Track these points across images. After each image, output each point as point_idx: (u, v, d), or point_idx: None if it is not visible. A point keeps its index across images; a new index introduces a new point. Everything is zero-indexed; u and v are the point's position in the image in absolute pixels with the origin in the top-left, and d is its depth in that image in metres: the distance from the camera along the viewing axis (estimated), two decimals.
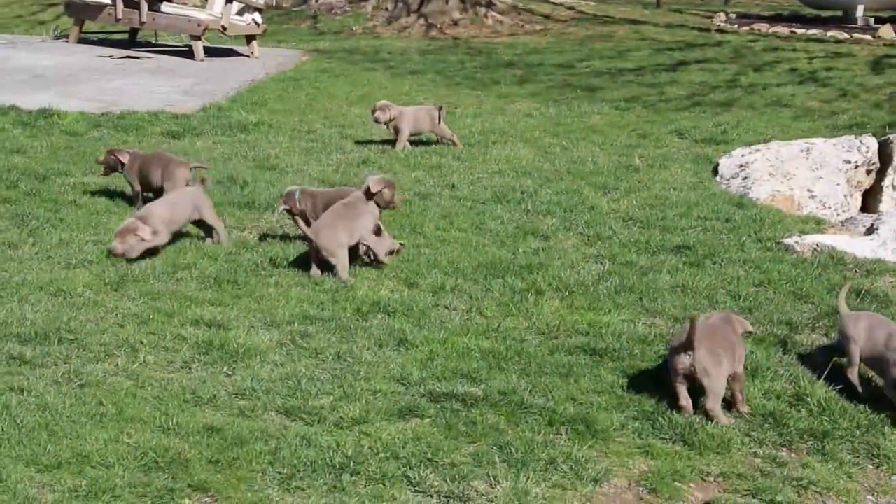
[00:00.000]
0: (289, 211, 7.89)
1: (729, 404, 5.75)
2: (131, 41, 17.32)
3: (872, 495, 5.21)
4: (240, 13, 16.77)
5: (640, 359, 6.24)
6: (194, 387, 5.78)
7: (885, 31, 19.30)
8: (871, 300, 7.24)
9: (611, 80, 15.53)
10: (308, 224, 7.50)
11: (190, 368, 6.03)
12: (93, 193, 9.09)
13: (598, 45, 18.58)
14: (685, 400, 5.65)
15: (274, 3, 22.33)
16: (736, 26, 20.61)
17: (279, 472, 5.00)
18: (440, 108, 11.12)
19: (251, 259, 7.69)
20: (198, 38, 16.10)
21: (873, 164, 10.40)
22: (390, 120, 10.88)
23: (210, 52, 16.27)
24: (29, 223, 8.28)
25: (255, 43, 16.92)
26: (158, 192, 8.51)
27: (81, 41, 17.04)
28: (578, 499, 4.98)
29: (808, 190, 9.87)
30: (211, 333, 6.40)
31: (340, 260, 7.36)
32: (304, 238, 7.51)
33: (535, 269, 7.61)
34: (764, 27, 20.25)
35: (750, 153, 10.45)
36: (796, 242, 8.25)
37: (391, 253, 7.71)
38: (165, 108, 12.42)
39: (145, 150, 9.54)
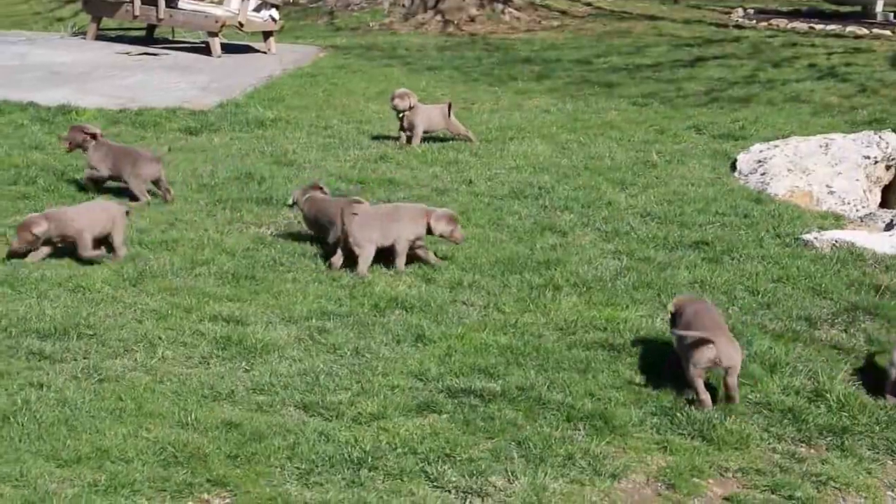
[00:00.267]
0: (295, 203, 8.08)
1: (715, 394, 5.75)
2: (148, 38, 17.36)
3: (892, 491, 5.20)
4: (257, 10, 16.76)
5: (658, 354, 6.23)
6: (213, 382, 5.80)
7: None
8: (890, 296, 7.21)
9: (628, 76, 15.47)
10: (313, 220, 7.86)
11: (208, 364, 6.05)
12: (110, 190, 9.11)
13: (615, 41, 18.51)
14: (704, 394, 5.65)
15: (291, 0, 22.35)
16: (754, 22, 20.50)
17: (297, 467, 5.01)
18: (448, 105, 11.10)
19: (269, 255, 7.71)
20: (215, 34, 16.10)
21: (893, 159, 10.35)
22: (410, 108, 10.83)
23: (227, 49, 16.27)
24: None
25: (272, 39, 16.92)
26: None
27: (99, 38, 17.05)
28: (596, 494, 4.97)
29: (827, 185, 9.81)
30: (229, 329, 6.42)
31: (365, 253, 7.38)
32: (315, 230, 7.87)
33: (552, 265, 7.60)
34: (782, 23, 20.14)
35: (768, 149, 10.42)
36: (815, 238, 8.22)
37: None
38: (183, 104, 12.44)
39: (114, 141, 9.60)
